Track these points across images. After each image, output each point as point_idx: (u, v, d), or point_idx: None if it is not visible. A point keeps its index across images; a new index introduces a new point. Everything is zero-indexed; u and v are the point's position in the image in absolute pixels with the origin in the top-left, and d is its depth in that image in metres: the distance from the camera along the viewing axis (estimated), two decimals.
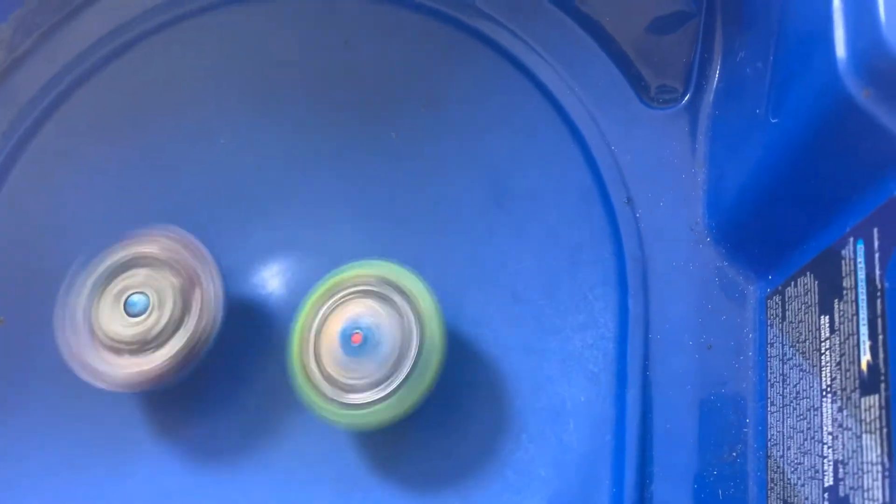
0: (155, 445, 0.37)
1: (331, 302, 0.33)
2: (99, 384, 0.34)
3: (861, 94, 0.24)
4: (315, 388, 0.32)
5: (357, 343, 0.32)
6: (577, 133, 0.39)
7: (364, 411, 0.32)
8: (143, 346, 0.34)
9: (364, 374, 0.32)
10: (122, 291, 0.34)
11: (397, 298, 0.33)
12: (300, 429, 0.36)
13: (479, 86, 0.40)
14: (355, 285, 0.33)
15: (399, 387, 0.32)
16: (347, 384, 0.32)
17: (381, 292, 0.33)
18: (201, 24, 0.42)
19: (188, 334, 0.34)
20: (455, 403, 0.36)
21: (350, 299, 0.33)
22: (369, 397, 0.32)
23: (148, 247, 0.35)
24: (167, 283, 0.34)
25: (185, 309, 0.34)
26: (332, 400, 0.32)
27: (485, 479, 0.35)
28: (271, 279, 0.39)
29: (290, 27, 0.41)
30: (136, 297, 0.34)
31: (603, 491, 0.34)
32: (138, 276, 0.34)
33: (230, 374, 0.37)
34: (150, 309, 0.34)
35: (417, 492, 0.35)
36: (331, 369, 0.32)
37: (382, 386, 0.32)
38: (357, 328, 0.32)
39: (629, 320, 0.35)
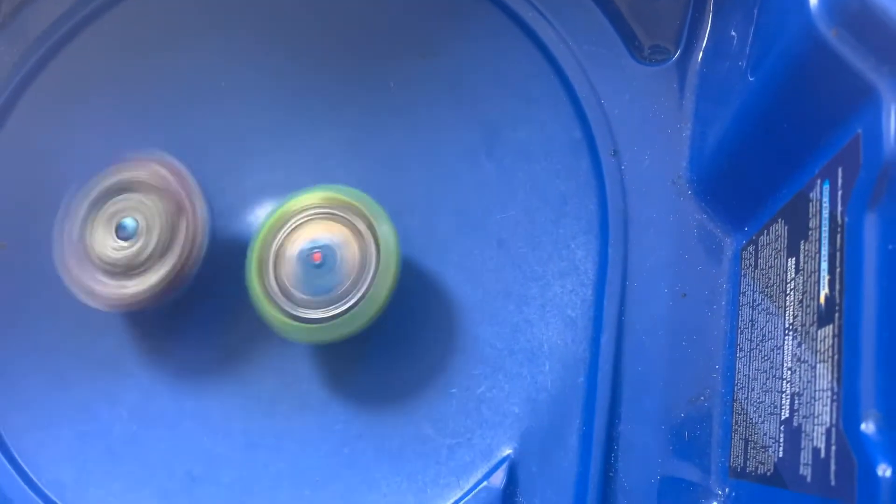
0: (142, 368, 0.38)
1: (291, 222, 0.35)
2: (93, 304, 0.36)
3: (830, 34, 0.25)
4: (274, 303, 0.34)
5: (317, 262, 0.34)
6: (568, 86, 0.39)
7: (321, 326, 0.34)
8: (132, 268, 0.35)
9: (322, 291, 0.34)
10: (113, 215, 0.36)
11: (356, 221, 0.35)
12: (277, 352, 0.38)
13: (475, 37, 0.41)
14: (315, 207, 0.35)
15: (354, 305, 0.34)
16: (305, 300, 0.34)
17: (340, 214, 0.35)
18: None
19: (174, 260, 0.35)
20: (436, 345, 0.37)
21: (310, 220, 0.35)
22: (327, 313, 0.34)
23: (139, 172, 0.36)
24: (156, 209, 0.36)
25: (172, 235, 0.35)
26: (289, 314, 0.34)
27: (460, 414, 0.36)
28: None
29: None
30: (126, 221, 0.35)
31: (573, 429, 0.35)
32: (130, 200, 0.36)
33: (218, 307, 0.39)
34: (139, 233, 0.35)
35: (397, 425, 0.37)
36: (290, 286, 0.34)
37: (340, 303, 0.34)
38: (317, 247, 0.34)
39: (608, 267, 0.36)
